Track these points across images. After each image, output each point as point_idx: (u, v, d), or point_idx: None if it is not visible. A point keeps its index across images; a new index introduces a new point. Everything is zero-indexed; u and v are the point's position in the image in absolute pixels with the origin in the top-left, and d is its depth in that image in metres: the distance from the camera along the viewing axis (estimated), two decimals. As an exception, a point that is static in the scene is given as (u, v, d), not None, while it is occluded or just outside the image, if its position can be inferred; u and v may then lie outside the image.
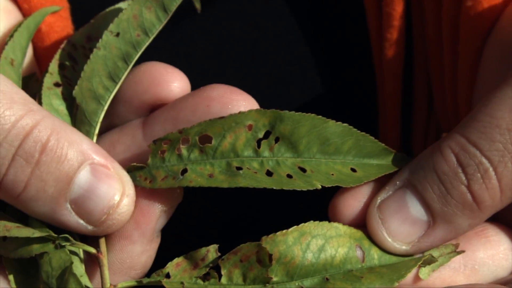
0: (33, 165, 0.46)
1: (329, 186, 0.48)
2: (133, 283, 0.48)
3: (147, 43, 0.52)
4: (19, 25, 0.54)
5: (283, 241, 0.47)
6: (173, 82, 0.51)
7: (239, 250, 0.47)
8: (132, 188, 0.49)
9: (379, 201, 0.48)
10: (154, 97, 0.51)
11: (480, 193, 0.46)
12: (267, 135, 0.49)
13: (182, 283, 0.47)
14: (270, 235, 0.47)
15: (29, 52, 0.57)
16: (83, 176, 0.47)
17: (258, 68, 0.64)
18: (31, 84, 0.55)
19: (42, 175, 0.46)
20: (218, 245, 0.48)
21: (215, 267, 0.47)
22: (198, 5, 0.53)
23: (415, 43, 0.63)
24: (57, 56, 0.54)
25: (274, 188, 0.47)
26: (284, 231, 0.47)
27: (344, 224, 0.48)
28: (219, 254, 0.48)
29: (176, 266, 0.48)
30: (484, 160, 0.45)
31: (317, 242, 0.47)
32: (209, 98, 0.49)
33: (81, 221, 0.48)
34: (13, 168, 0.46)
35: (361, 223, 0.49)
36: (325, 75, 0.65)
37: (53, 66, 0.54)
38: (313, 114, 0.48)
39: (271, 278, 0.46)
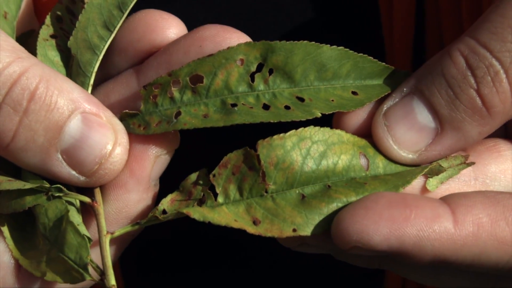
0: (21, 113, 0.45)
1: (330, 113, 0.45)
2: (130, 228, 0.47)
3: None
4: (13, -22, 0.53)
5: (280, 145, 0.44)
6: (169, 28, 0.49)
7: (228, 162, 0.45)
8: (125, 136, 0.47)
9: (385, 108, 0.45)
10: (149, 44, 0.49)
11: (490, 97, 0.42)
12: (260, 68, 0.46)
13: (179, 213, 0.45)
14: (266, 139, 0.45)
15: (31, 9, 0.56)
16: (74, 125, 0.45)
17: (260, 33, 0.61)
18: (31, 41, 0.54)
19: (31, 124, 0.45)
20: (206, 168, 0.46)
21: (210, 188, 0.45)
22: None
23: (427, 15, 0.59)
24: (54, 9, 0.53)
25: (272, 121, 0.45)
26: (281, 134, 0.45)
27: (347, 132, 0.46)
28: (209, 176, 0.45)
29: (171, 202, 0.46)
30: (494, 62, 0.42)
31: (318, 148, 0.45)
32: (202, 38, 0.47)
33: (73, 172, 0.46)
34: (0, 117, 0.44)
35: (366, 133, 0.46)
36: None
37: (50, 18, 0.52)
38: (305, 41, 0.46)
39: (269, 185, 0.44)
